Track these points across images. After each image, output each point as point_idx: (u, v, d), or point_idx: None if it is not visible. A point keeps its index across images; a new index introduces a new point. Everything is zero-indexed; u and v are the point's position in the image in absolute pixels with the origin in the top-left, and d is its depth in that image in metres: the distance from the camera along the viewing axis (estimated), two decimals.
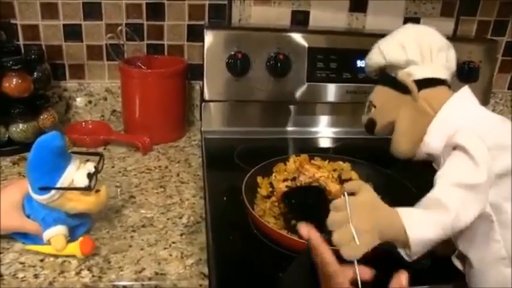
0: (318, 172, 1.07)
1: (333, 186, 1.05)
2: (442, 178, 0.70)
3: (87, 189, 0.83)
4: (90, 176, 0.84)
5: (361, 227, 0.64)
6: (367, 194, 0.68)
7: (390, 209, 0.68)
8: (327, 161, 1.15)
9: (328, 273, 0.63)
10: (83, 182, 0.83)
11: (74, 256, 0.85)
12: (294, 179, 1.06)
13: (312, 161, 1.13)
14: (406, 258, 0.68)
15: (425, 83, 0.80)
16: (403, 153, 0.82)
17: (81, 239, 0.85)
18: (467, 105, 0.78)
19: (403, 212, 0.67)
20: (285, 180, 1.06)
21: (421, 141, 0.79)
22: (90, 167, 0.86)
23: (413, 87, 0.79)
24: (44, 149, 0.81)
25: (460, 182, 0.67)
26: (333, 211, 0.67)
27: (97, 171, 0.87)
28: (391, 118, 0.83)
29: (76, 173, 0.83)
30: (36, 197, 0.83)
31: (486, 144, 0.69)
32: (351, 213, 0.64)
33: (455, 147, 0.71)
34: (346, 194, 0.67)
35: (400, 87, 0.81)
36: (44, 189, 0.81)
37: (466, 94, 0.79)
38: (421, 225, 0.66)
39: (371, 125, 0.87)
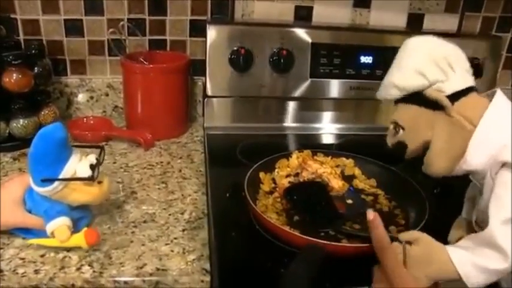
0: (320, 168, 1.07)
1: (336, 182, 1.04)
2: (495, 210, 0.67)
3: (90, 179, 0.83)
4: (92, 167, 0.84)
5: (414, 274, 0.70)
6: (425, 244, 0.72)
7: (444, 255, 0.69)
8: (329, 157, 1.14)
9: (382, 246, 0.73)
10: (86, 172, 0.83)
11: (75, 251, 0.84)
12: (296, 174, 1.05)
13: (315, 157, 1.12)
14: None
15: (456, 96, 0.72)
16: (440, 172, 0.76)
17: (85, 229, 0.84)
18: (507, 113, 0.71)
19: (457, 258, 0.68)
20: (287, 176, 1.06)
21: (459, 158, 0.72)
22: (92, 158, 0.86)
23: (446, 102, 0.71)
24: (46, 140, 0.80)
25: None
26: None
27: (99, 162, 0.86)
28: (426, 138, 0.75)
29: (78, 164, 0.83)
30: (38, 189, 0.82)
31: None
32: (406, 261, 0.71)
33: (504, 164, 0.67)
34: (404, 243, 0.73)
35: (430, 104, 0.73)
36: (47, 181, 0.81)
37: (502, 100, 0.72)
38: (476, 274, 0.67)
39: (401, 148, 0.79)
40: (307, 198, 0.95)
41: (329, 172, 1.07)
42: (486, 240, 0.67)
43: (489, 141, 0.69)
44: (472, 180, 0.76)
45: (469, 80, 0.74)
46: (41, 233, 0.85)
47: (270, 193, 1.03)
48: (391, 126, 0.79)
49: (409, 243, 0.72)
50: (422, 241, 0.72)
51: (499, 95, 0.72)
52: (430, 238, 0.72)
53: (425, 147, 0.76)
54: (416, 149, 0.77)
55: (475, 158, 0.70)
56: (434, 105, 0.73)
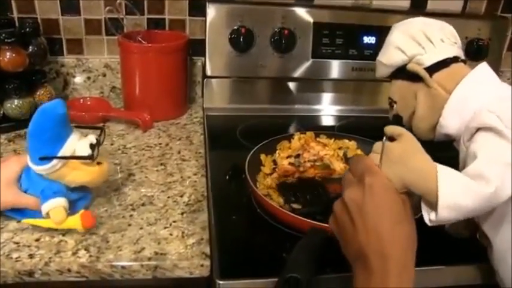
0: (322, 150, 1.05)
1: (337, 165, 1.03)
2: (480, 157, 0.66)
3: (89, 158, 0.81)
4: (92, 146, 0.82)
5: (387, 174, 0.64)
6: (405, 141, 0.66)
7: (429, 162, 0.64)
8: (332, 139, 1.12)
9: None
10: (86, 151, 0.81)
11: (71, 235, 0.82)
12: (297, 156, 1.03)
13: (318, 139, 1.10)
14: (428, 223, 0.65)
15: (436, 67, 0.78)
16: (423, 136, 0.80)
17: (82, 211, 0.82)
18: (483, 84, 0.75)
19: (442, 168, 0.64)
20: (288, 157, 1.03)
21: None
22: (91, 138, 0.84)
23: (423, 73, 0.77)
24: (46, 116, 0.78)
25: (499, 160, 0.64)
26: (371, 153, 0.69)
27: (99, 142, 0.85)
28: (412, 108, 0.81)
29: (78, 143, 0.82)
30: (36, 167, 0.80)
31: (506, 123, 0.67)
32: (383, 158, 0.65)
33: (479, 129, 0.69)
34: (384, 138, 0.66)
35: (413, 77, 0.79)
36: (45, 159, 0.79)
37: (482, 71, 0.76)
38: (456, 186, 0.63)
39: (399, 120, 0.84)
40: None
41: (331, 154, 1.06)
42: (473, 172, 0.64)
43: (462, 108, 0.74)
44: (455, 146, 0.79)
45: (450, 52, 0.78)
46: (35, 213, 0.83)
47: (270, 175, 1.01)
48: (388, 102, 0.86)
49: (392, 140, 0.67)
50: (405, 138, 0.66)
51: (482, 66, 0.77)
52: (414, 138, 0.67)
53: None
54: (409, 119, 0.82)
55: (449, 123, 0.76)
56: (416, 77, 0.79)
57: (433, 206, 0.63)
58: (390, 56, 0.81)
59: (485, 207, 0.65)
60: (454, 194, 0.62)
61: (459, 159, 0.75)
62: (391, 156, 0.65)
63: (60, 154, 0.79)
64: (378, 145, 0.68)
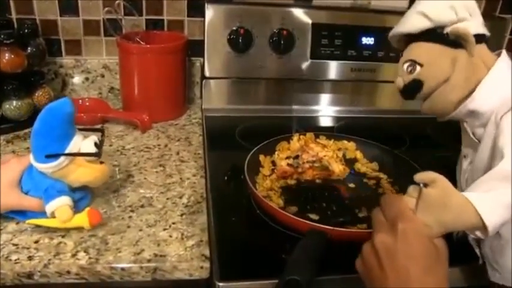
0: (322, 151, 1.05)
1: (336, 166, 1.03)
2: (507, 155, 0.66)
3: (96, 155, 0.83)
4: (96, 145, 0.83)
5: (425, 219, 0.63)
6: (441, 186, 0.64)
7: (463, 198, 0.64)
8: (332, 140, 1.12)
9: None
10: (92, 149, 0.83)
11: (71, 236, 0.82)
12: (296, 157, 1.03)
13: (318, 140, 1.10)
14: (483, 237, 0.66)
15: (478, 39, 0.74)
16: (440, 110, 0.78)
17: (88, 209, 0.84)
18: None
19: (475, 199, 0.63)
20: (287, 158, 1.03)
21: (467, 98, 0.75)
22: (95, 137, 0.85)
23: (472, 39, 0.72)
24: (54, 114, 0.79)
25: None
26: (406, 196, 0.67)
27: (102, 142, 0.86)
28: (446, 75, 0.75)
29: (83, 142, 0.83)
30: (41, 166, 0.80)
31: None
32: (420, 204, 0.64)
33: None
34: (422, 184, 0.64)
35: (452, 42, 0.74)
36: (52, 157, 0.79)
37: (508, 57, 0.76)
38: (496, 211, 0.63)
39: (417, 86, 0.78)
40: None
41: (330, 156, 1.06)
42: (501, 175, 0.65)
43: (500, 85, 0.72)
44: (466, 129, 0.78)
45: (485, 30, 0.76)
46: (38, 215, 0.83)
47: (269, 176, 1.02)
48: (406, 65, 0.78)
49: (426, 185, 0.65)
50: (439, 183, 0.64)
51: (504, 54, 0.75)
52: (447, 181, 0.65)
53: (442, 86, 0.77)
54: (435, 86, 0.76)
55: (483, 98, 0.73)
56: (454, 43, 0.74)
57: (482, 229, 0.64)
58: (441, 11, 0.74)
59: None
60: (498, 217, 0.63)
61: (482, 140, 0.75)
62: (430, 202, 0.64)
63: (67, 152, 0.80)
64: (413, 189, 0.66)
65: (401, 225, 0.61)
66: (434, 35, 0.76)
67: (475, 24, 0.74)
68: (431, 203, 0.63)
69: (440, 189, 0.64)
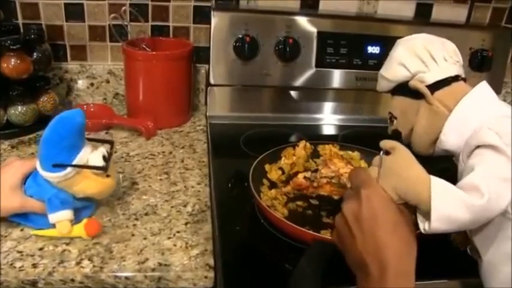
0: (344, 168, 0.99)
1: None
2: (477, 170, 0.67)
3: (103, 169, 0.83)
4: (104, 158, 0.84)
5: (384, 186, 0.67)
6: (400, 154, 0.69)
7: (423, 173, 0.66)
8: (355, 152, 1.13)
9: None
10: (99, 163, 0.83)
11: (75, 244, 0.82)
12: (315, 170, 0.99)
13: (342, 153, 1.09)
14: (422, 231, 0.67)
15: (438, 85, 0.79)
16: (422, 152, 0.82)
17: (85, 220, 0.84)
18: (483, 102, 0.77)
19: (435, 180, 0.65)
20: (305, 170, 1.02)
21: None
22: (103, 150, 0.85)
23: (425, 91, 0.78)
24: (66, 124, 0.79)
25: (495, 174, 0.65)
26: (371, 166, 0.72)
27: (110, 155, 0.86)
28: (411, 125, 0.83)
29: (91, 154, 0.83)
30: (47, 174, 0.81)
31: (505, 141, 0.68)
32: (380, 171, 0.68)
33: (478, 146, 0.70)
34: (382, 152, 0.70)
35: (415, 94, 0.80)
36: (58, 167, 0.79)
37: (482, 90, 0.78)
38: (448, 199, 0.64)
39: (398, 135, 0.86)
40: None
41: None
42: (467, 184, 0.65)
43: (462, 126, 0.75)
44: (455, 161, 0.80)
45: (452, 71, 0.79)
46: (40, 219, 0.83)
47: (275, 184, 1.02)
48: (388, 117, 0.87)
49: (387, 154, 0.70)
50: (399, 151, 0.69)
51: (482, 85, 0.78)
52: (408, 151, 0.70)
53: None
54: (408, 135, 0.84)
55: (449, 140, 0.77)
56: (417, 94, 0.80)
57: (427, 216, 0.65)
58: (393, 71, 0.82)
59: (479, 220, 0.66)
60: (447, 207, 0.64)
61: (458, 174, 0.76)
62: (388, 168, 0.68)
63: (74, 163, 0.80)
64: (376, 159, 0.71)
65: (364, 191, 0.65)
66: (402, 89, 0.82)
67: (434, 71, 0.79)
68: (389, 170, 0.68)
69: (400, 157, 0.69)
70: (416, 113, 0.81)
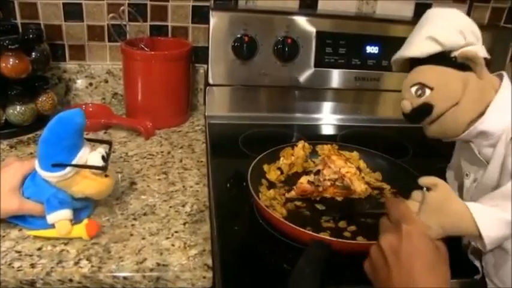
0: (344, 166, 0.99)
1: (358, 185, 0.98)
2: None
3: (102, 168, 0.83)
4: (103, 158, 0.84)
5: (427, 222, 0.67)
6: (443, 190, 0.68)
7: (463, 206, 0.67)
8: (354, 152, 1.12)
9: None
10: (98, 162, 0.83)
11: (73, 244, 0.82)
12: (317, 172, 0.99)
13: (340, 151, 1.07)
14: (482, 248, 0.69)
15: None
16: (451, 131, 0.78)
17: (86, 221, 0.84)
18: None
19: (474, 209, 0.67)
20: (307, 173, 1.01)
21: (478, 120, 0.75)
22: (102, 150, 0.85)
23: (483, 63, 0.74)
24: (65, 124, 0.79)
25: None
26: (410, 200, 0.71)
27: (109, 156, 0.87)
28: (457, 98, 0.75)
29: (90, 154, 0.83)
30: (45, 174, 0.81)
31: None
32: (422, 207, 0.68)
33: None
34: (425, 188, 0.69)
35: (460, 65, 0.75)
36: (58, 166, 0.79)
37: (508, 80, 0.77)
38: (493, 223, 0.66)
39: (427, 110, 0.77)
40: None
41: (353, 173, 0.99)
42: (506, 194, 0.67)
43: (507, 106, 0.74)
44: (473, 149, 0.79)
45: (487, 54, 0.77)
46: (38, 221, 0.83)
47: (273, 184, 1.02)
48: (415, 88, 0.78)
49: (429, 190, 0.69)
50: (440, 188, 0.68)
51: (505, 75, 0.77)
52: (448, 186, 0.69)
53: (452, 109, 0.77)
54: (446, 109, 0.76)
55: (493, 119, 0.74)
56: (463, 66, 0.75)
57: (479, 239, 0.67)
58: (450, 35, 0.75)
59: None
60: (495, 232, 0.66)
61: (491, 160, 0.76)
62: (431, 204, 0.67)
63: (73, 163, 0.80)
64: (416, 194, 0.70)
65: (405, 227, 0.64)
66: (443, 58, 0.76)
67: (481, 48, 0.76)
68: (433, 206, 0.67)
69: (442, 194, 0.68)
70: (462, 85, 0.74)
